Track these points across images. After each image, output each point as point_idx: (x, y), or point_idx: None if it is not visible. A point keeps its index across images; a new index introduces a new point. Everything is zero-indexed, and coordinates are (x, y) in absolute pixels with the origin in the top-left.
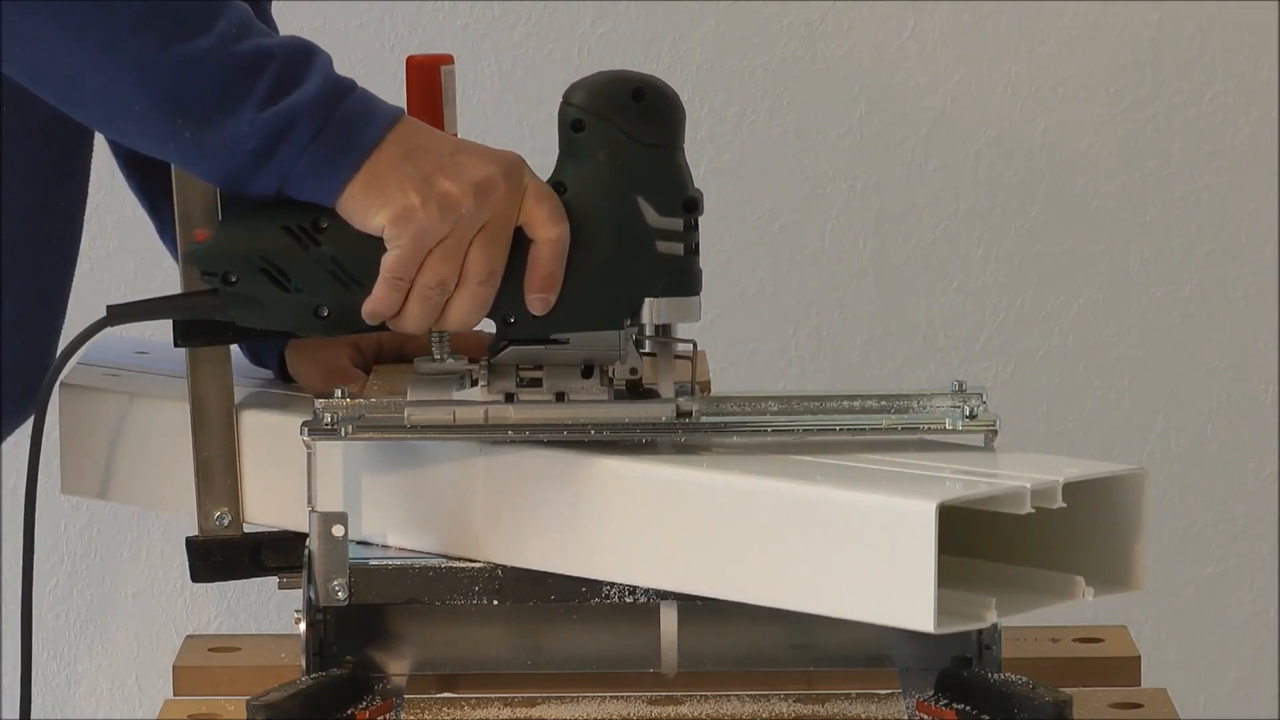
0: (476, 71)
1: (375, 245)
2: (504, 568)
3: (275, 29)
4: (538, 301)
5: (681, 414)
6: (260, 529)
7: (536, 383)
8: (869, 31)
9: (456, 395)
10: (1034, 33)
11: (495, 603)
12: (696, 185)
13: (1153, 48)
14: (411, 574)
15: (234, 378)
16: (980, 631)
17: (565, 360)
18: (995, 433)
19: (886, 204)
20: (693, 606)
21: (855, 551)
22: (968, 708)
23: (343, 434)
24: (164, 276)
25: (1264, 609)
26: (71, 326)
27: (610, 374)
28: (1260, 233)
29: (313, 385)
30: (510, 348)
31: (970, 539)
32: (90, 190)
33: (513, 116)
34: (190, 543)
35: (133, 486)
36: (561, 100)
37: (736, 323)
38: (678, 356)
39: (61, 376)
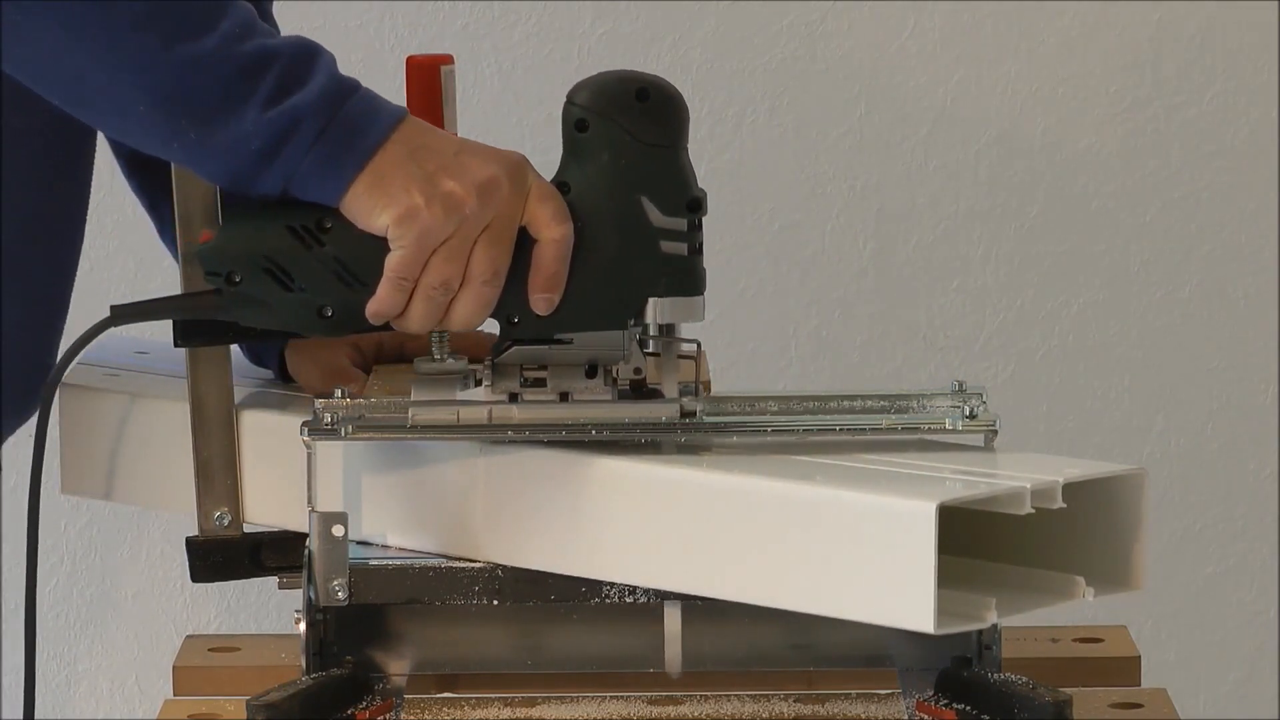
0: (476, 71)
1: (379, 245)
2: (504, 568)
3: (276, 29)
4: (542, 301)
5: (686, 414)
6: (260, 529)
7: (540, 383)
8: (869, 31)
9: (460, 395)
10: (1034, 33)
11: (495, 603)
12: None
13: (1153, 48)
14: (411, 574)
15: (234, 378)
16: (980, 631)
17: (569, 360)
18: (995, 433)
19: (886, 204)
20: (693, 606)
21: (855, 552)
22: (968, 708)
23: (343, 434)
24: (164, 276)
25: (1264, 609)
26: (70, 326)
27: (614, 374)
28: (1260, 233)
29: (313, 385)
30: (514, 348)
31: (970, 539)
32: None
33: (513, 116)
34: (190, 543)
35: (133, 486)
36: (566, 100)
37: (736, 323)
38: (681, 356)
39: None
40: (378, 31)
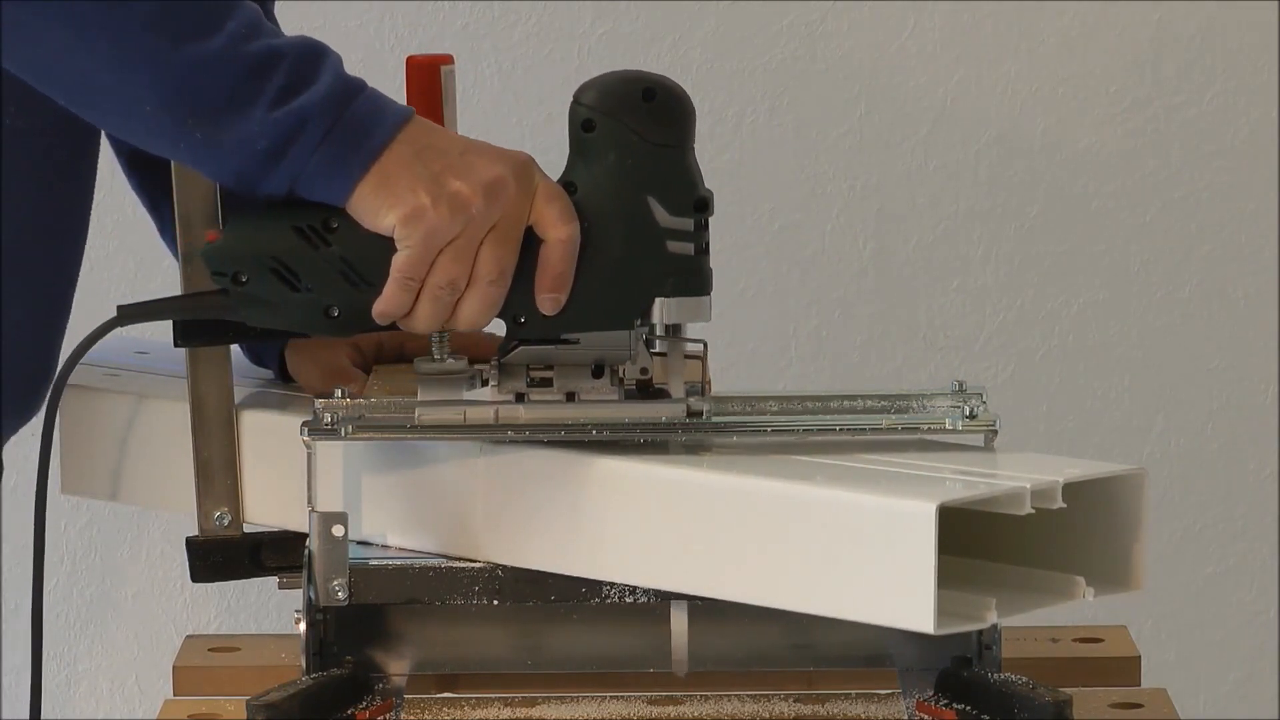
0: (476, 71)
1: (386, 245)
2: (504, 568)
3: (278, 29)
4: (548, 301)
5: (692, 414)
6: (260, 529)
7: (547, 383)
8: (869, 31)
9: (466, 395)
10: (1034, 33)
11: (495, 603)
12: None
13: (1153, 48)
14: (411, 574)
15: (234, 378)
16: (980, 632)
17: (576, 360)
18: (995, 433)
19: (886, 204)
20: (694, 606)
21: (855, 552)
22: (968, 708)
23: (343, 434)
24: (164, 276)
25: (1264, 609)
26: (71, 326)
27: (621, 374)
28: (1260, 233)
29: (313, 385)
30: (520, 348)
31: (970, 539)
32: None
33: (513, 116)
34: (190, 543)
35: (133, 486)
36: (572, 100)
37: (736, 323)
38: (687, 356)
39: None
40: (378, 31)
